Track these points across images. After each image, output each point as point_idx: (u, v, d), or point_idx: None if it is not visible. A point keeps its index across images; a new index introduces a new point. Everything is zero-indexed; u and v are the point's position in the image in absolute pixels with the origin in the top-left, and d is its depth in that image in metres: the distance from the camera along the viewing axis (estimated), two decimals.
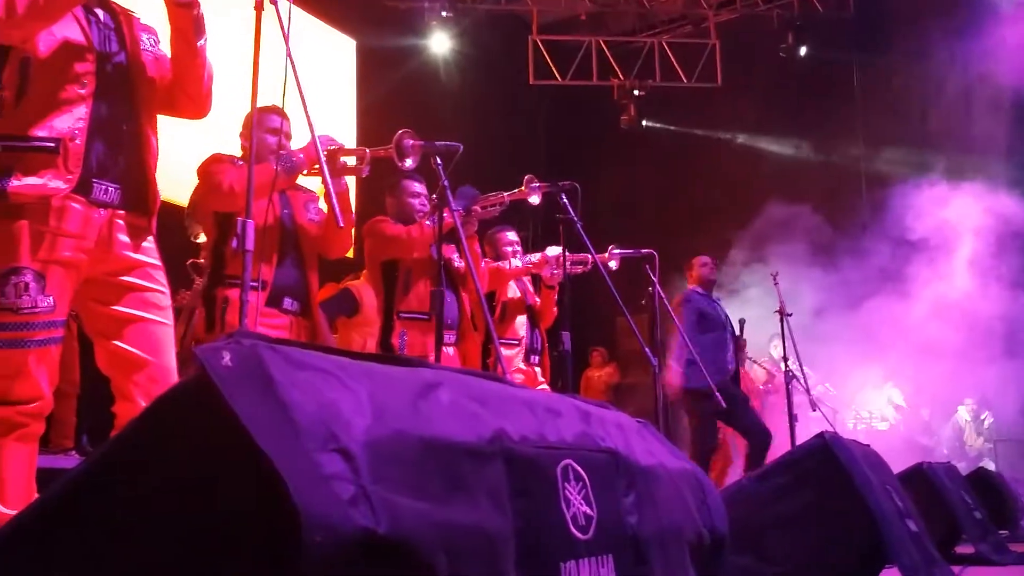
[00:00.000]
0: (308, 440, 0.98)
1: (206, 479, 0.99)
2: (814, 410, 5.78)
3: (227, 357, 1.00)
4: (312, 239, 3.49)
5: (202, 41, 2.51)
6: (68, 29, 2.31)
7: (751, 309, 6.51)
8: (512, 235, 5.08)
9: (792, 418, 5.45)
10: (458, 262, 4.23)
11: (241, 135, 3.57)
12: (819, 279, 7.02)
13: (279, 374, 1.03)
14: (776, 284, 5.74)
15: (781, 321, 5.64)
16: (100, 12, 2.43)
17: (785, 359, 5.70)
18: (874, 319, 6.94)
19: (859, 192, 8.43)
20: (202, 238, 4.21)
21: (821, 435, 2.71)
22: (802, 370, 5.84)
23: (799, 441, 5.36)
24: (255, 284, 3.08)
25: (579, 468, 1.40)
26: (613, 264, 4.93)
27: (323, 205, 3.67)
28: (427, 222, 3.94)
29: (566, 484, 1.35)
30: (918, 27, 8.48)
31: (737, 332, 7.11)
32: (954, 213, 7.31)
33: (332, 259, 3.68)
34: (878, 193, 7.95)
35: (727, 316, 5.97)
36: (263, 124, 3.33)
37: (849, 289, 7.05)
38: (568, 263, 4.55)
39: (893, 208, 7.40)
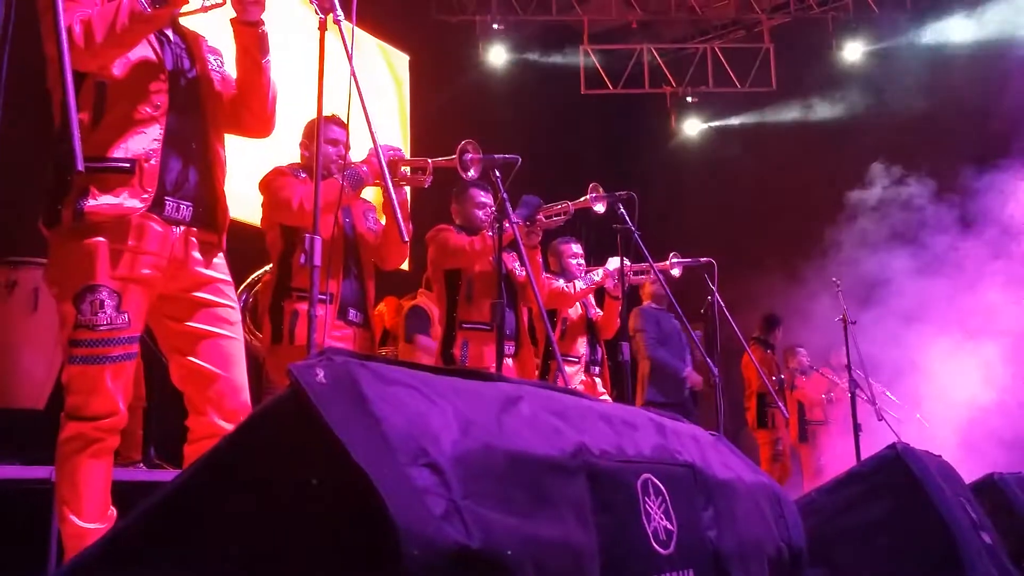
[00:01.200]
0: (400, 455, 1.00)
1: (301, 492, 1.02)
2: (880, 419, 5.66)
3: (321, 374, 1.02)
4: (371, 249, 3.54)
5: (266, 59, 2.56)
6: (141, 51, 2.37)
7: (814, 318, 6.41)
8: (576, 247, 5.07)
9: (856, 428, 5.35)
10: (519, 272, 4.25)
11: (301, 144, 3.63)
12: (881, 284, 6.86)
13: (370, 390, 1.05)
14: (838, 290, 5.65)
15: (844, 329, 5.54)
16: (170, 33, 2.50)
17: (849, 368, 5.60)
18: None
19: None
20: None
21: (893, 446, 2.66)
22: (867, 380, 5.73)
23: (864, 452, 5.27)
24: (323, 297, 3.13)
25: (658, 482, 1.39)
26: (676, 272, 4.90)
27: (381, 215, 3.72)
28: (489, 233, 3.96)
29: (646, 498, 1.35)
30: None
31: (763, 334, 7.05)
32: None
33: (388, 270, 3.71)
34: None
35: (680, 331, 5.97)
36: (324, 135, 3.39)
37: (910, 297, 6.89)
38: (630, 273, 4.54)
39: (967, 205, 7.24)
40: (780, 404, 4.85)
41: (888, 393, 7.03)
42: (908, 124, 8.45)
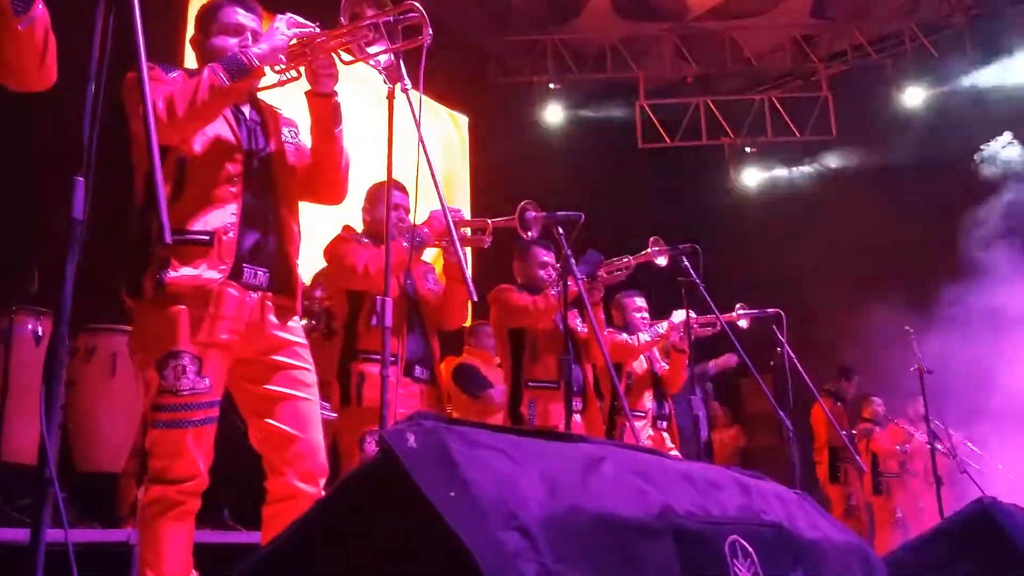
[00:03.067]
0: (491, 518, 1.01)
1: (395, 555, 1.03)
2: (962, 471, 5.46)
3: (411, 439, 1.04)
4: (432, 309, 3.58)
5: (339, 129, 2.65)
6: (219, 128, 2.47)
7: (889, 368, 6.24)
8: (640, 300, 5.05)
9: (938, 481, 5.16)
10: (582, 328, 4.25)
11: (364, 209, 3.71)
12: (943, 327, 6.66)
13: (459, 454, 1.06)
14: (913, 339, 5.51)
15: (921, 380, 5.39)
16: (246, 109, 2.60)
17: (927, 419, 5.43)
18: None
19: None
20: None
21: (979, 500, 2.56)
22: (947, 430, 5.55)
23: (946, 505, 5.08)
24: (390, 359, 3.18)
25: (746, 543, 1.37)
26: (743, 324, 4.84)
27: (441, 277, 3.77)
28: (552, 292, 3.98)
29: (735, 560, 1.33)
30: None
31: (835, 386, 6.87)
32: None
33: (450, 330, 3.75)
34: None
35: None
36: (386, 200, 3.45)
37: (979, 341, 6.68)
38: (696, 325, 4.51)
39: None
40: (856, 457, 4.71)
41: (969, 444, 6.80)
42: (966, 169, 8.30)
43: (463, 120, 8.83)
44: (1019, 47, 8.80)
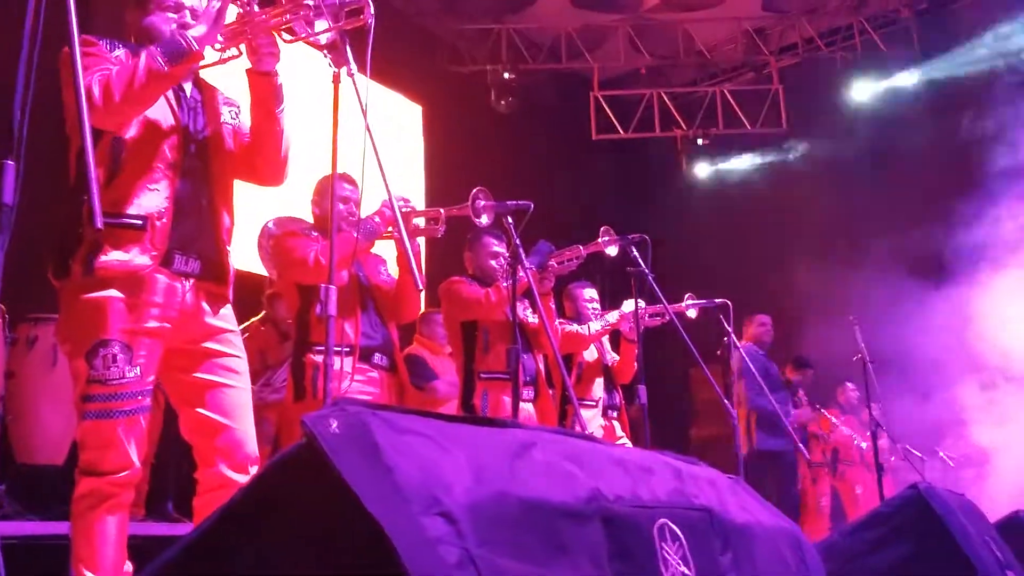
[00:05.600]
0: (413, 504, 1.01)
1: (315, 542, 1.02)
2: (904, 459, 5.59)
3: (334, 424, 1.03)
4: (386, 299, 3.57)
5: (280, 109, 2.61)
6: (158, 110, 2.41)
7: (833, 357, 6.37)
8: (591, 291, 5.07)
9: (879, 467, 5.27)
10: (532, 318, 4.26)
11: (313, 202, 3.67)
12: (892, 324, 6.81)
13: (383, 439, 1.06)
14: (855, 329, 5.61)
15: (864, 368, 5.49)
16: (188, 88, 2.55)
17: (869, 407, 5.54)
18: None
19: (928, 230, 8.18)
20: None
21: (914, 486, 2.62)
22: (881, 420, 5.67)
23: (887, 492, 5.20)
24: (343, 349, 3.16)
25: (675, 527, 1.38)
26: (692, 313, 4.89)
27: (392, 268, 3.75)
28: (504, 283, 3.98)
29: (663, 544, 1.34)
30: None
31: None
32: None
33: (404, 323, 3.73)
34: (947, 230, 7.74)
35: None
36: (335, 192, 3.43)
37: (927, 333, 6.83)
38: (645, 316, 4.54)
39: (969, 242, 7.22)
40: (800, 446, 4.79)
41: (908, 448, 6.94)
42: (917, 161, 8.46)
43: (417, 109, 8.77)
44: (964, 42, 8.97)
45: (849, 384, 7.47)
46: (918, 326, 6.73)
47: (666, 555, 1.33)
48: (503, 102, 9.23)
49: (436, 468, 1.08)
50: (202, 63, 2.50)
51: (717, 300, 4.82)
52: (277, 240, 3.47)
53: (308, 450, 1.02)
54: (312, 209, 3.67)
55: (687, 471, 1.59)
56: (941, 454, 6.75)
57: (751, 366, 5.18)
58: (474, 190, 3.53)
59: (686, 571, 1.36)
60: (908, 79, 9.19)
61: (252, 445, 2.45)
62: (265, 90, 2.57)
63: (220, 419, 2.40)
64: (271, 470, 1.07)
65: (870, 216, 8.31)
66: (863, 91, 9.36)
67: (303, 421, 1.03)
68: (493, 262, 4.18)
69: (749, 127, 9.41)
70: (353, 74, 2.93)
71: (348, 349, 3.25)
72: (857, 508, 6.88)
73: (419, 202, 8.23)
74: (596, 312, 4.99)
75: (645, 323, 4.66)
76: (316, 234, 3.46)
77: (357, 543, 0.98)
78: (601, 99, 9.49)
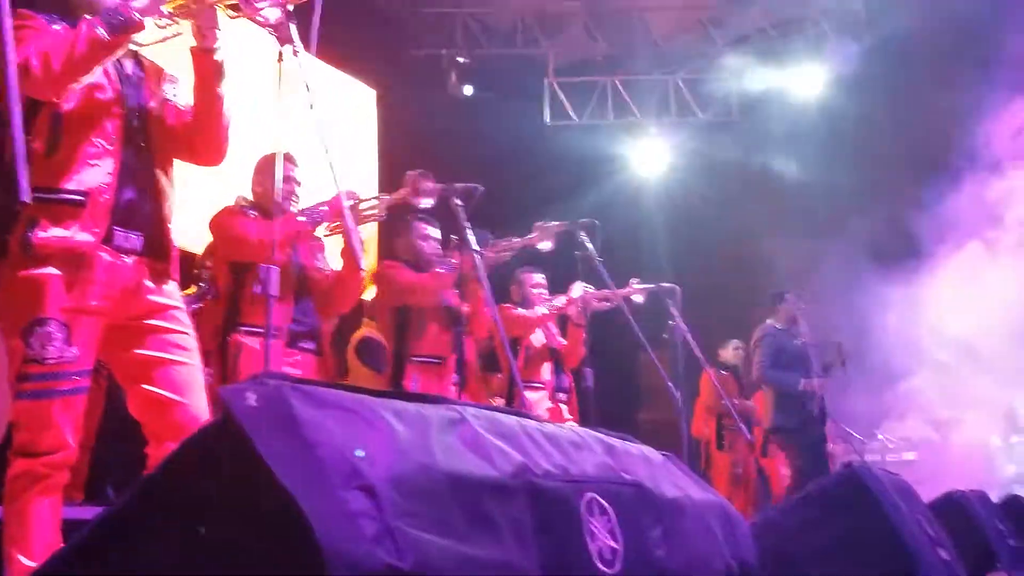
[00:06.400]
0: (332, 477, 1.00)
1: (232, 519, 1.01)
2: (844, 441, 5.71)
3: (252, 398, 1.02)
4: (320, 286, 3.53)
5: (222, 87, 2.57)
6: (98, 84, 2.37)
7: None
8: (539, 276, 5.07)
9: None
10: (465, 304, 4.24)
11: (254, 181, 3.62)
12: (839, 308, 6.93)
13: (303, 413, 1.05)
14: (801, 311, 5.70)
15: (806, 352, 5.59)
16: (128, 63, 2.50)
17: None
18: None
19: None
20: None
21: (849, 465, 2.68)
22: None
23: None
24: (271, 330, 3.13)
25: (604, 501, 1.40)
26: (639, 298, 4.92)
27: (329, 256, 3.71)
28: (441, 269, 3.96)
29: (590, 518, 1.35)
30: None
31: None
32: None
33: (345, 312, 3.70)
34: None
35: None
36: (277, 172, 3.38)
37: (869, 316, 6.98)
38: (593, 300, 4.56)
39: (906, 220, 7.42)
40: (741, 426, 4.86)
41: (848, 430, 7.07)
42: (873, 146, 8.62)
43: (371, 93, 8.69)
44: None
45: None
46: (870, 310, 6.87)
47: (593, 529, 1.34)
48: (463, 87, 9.19)
49: (358, 442, 1.07)
50: (145, 40, 2.47)
51: (664, 284, 4.85)
52: (217, 217, 3.42)
53: (225, 425, 1.01)
54: (253, 188, 3.62)
55: (620, 447, 1.61)
56: (880, 436, 6.90)
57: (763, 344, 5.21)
58: (413, 173, 3.52)
59: (613, 544, 1.37)
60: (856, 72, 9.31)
61: (204, 421, 2.42)
62: (207, 67, 2.54)
63: (171, 395, 2.38)
64: (187, 447, 1.06)
65: (816, 205, 8.44)
66: (813, 82, 9.48)
67: (219, 394, 1.01)
68: (424, 244, 4.15)
69: (701, 115, 9.49)
70: (298, 52, 2.90)
71: (276, 331, 3.22)
72: (782, 488, 6.95)
73: (372, 187, 8.19)
74: (543, 296, 5.00)
75: (592, 307, 4.69)
76: (255, 213, 3.41)
77: (277, 520, 0.97)
78: (556, 85, 9.49)
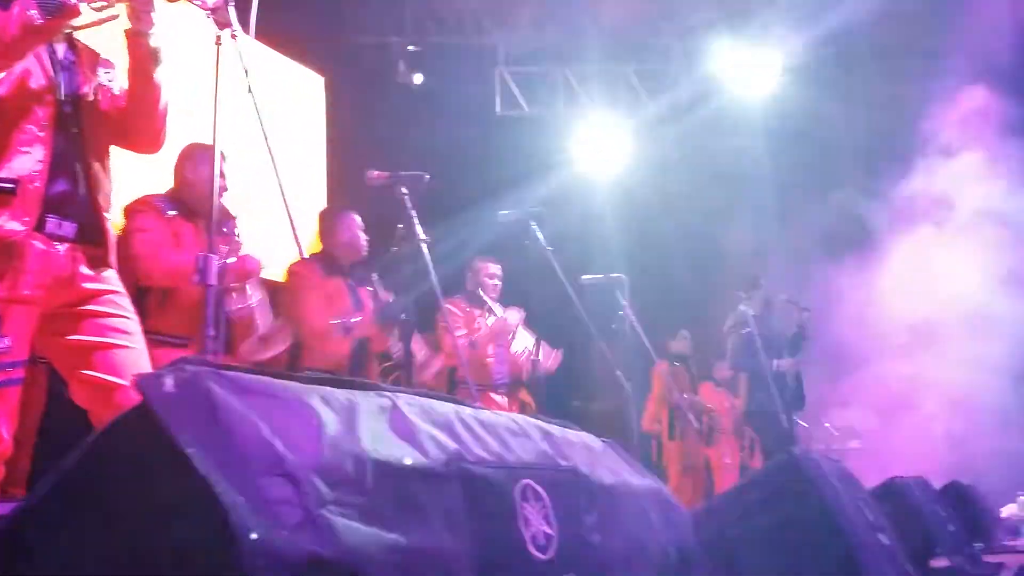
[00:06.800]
0: (252, 465, 0.98)
1: (149, 508, 0.98)
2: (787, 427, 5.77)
3: (169, 383, 0.99)
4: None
5: (158, 72, 2.51)
6: (29, 69, 2.30)
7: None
8: (495, 267, 5.01)
9: (751, 440, 5.45)
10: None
11: (179, 167, 3.46)
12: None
13: (224, 399, 1.02)
14: (741, 304, 5.75)
15: (751, 342, 5.63)
16: (61, 48, 2.43)
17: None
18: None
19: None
20: None
21: (789, 451, 2.72)
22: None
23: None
24: (177, 339, 3.05)
25: (539, 488, 1.39)
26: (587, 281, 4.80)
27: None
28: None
29: (525, 504, 1.35)
30: None
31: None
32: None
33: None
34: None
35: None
36: (205, 163, 3.22)
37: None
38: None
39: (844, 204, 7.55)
40: (689, 416, 4.90)
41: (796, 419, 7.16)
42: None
43: (319, 80, 8.58)
44: None
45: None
46: (819, 301, 6.96)
47: (527, 515, 1.34)
48: (412, 75, 9.12)
49: (282, 429, 1.05)
50: (77, 23, 2.39)
51: (614, 275, 4.86)
52: (128, 213, 3.23)
53: (141, 412, 0.98)
54: (177, 174, 3.43)
55: (559, 435, 1.61)
56: (826, 424, 7.02)
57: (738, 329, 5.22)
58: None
59: (548, 530, 1.36)
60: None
61: None
62: (142, 51, 2.47)
63: (112, 379, 2.32)
64: (103, 436, 1.03)
65: (777, 190, 8.55)
66: (763, 72, 9.58)
67: (135, 381, 0.98)
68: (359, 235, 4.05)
69: (652, 107, 9.54)
70: (236, 36, 2.85)
71: (183, 342, 3.11)
72: (724, 477, 7.04)
73: (320, 175, 8.10)
74: (496, 287, 4.97)
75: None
76: (174, 212, 3.27)
77: (195, 509, 0.95)
78: (506, 75, 9.46)
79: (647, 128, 10.08)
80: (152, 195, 3.38)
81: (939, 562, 4.00)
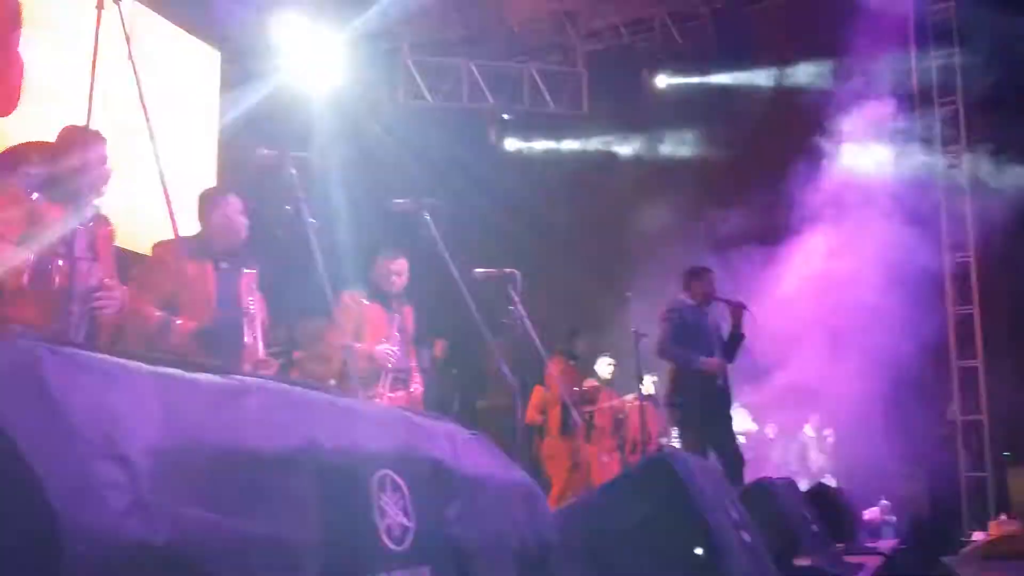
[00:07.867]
0: (81, 446, 0.93)
1: None
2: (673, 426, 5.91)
3: None
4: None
5: (16, 32, 2.37)
6: None
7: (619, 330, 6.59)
8: (399, 264, 4.89)
9: (646, 437, 5.57)
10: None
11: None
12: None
13: (56, 377, 0.96)
14: (631, 304, 5.85)
15: (636, 343, 5.72)
16: None
17: (640, 379, 5.80)
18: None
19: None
20: None
21: (660, 449, 2.78)
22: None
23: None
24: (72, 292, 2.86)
25: (397, 478, 1.37)
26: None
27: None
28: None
29: (382, 495, 1.32)
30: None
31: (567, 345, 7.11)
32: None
33: None
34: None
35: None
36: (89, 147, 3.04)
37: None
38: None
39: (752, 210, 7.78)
40: (576, 414, 4.96)
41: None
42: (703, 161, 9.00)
43: (216, 55, 8.31)
44: (758, 51, 9.48)
45: (607, 359, 7.53)
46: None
47: (384, 506, 1.32)
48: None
49: (117, 410, 1.00)
50: None
51: (505, 270, 4.82)
52: None
53: None
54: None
55: (423, 425, 1.59)
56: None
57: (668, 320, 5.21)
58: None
59: (405, 521, 1.35)
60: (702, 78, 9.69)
61: None
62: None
63: None
64: None
65: (658, 202, 8.72)
66: (661, 84, 9.79)
67: None
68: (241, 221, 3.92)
69: (552, 107, 9.62)
70: (120, 2, 2.74)
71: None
72: (603, 474, 7.14)
73: (212, 152, 7.85)
74: (401, 283, 4.88)
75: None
76: (37, 195, 2.93)
77: (15, 491, 0.89)
78: (412, 65, 9.38)
79: (548, 125, 10.17)
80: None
81: (802, 561, 4.16)
